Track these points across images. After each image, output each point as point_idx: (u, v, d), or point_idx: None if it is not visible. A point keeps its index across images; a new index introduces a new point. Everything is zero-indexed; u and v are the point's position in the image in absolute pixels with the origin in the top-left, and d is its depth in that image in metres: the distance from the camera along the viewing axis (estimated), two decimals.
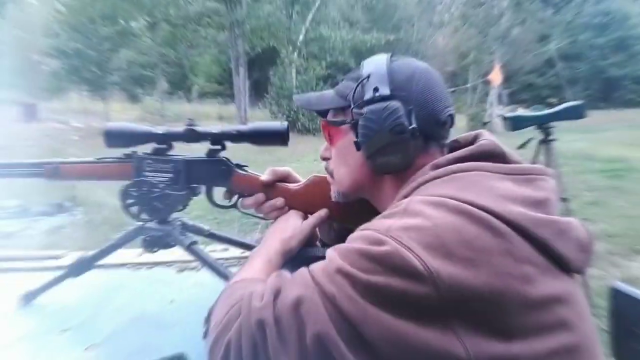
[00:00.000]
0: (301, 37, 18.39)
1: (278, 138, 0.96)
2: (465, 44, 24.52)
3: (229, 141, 0.99)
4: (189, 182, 0.99)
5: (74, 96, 20.47)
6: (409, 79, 0.78)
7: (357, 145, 0.78)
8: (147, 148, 1.01)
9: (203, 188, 1.03)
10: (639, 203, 5.70)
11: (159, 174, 0.97)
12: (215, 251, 1.37)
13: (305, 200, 0.97)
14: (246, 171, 1.00)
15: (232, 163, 1.00)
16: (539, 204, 0.69)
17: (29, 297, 1.05)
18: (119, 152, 1.00)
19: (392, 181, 0.80)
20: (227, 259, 1.31)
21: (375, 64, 0.80)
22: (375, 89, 0.77)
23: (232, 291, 0.76)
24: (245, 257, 1.27)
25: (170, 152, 1.01)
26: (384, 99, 0.76)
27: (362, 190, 0.85)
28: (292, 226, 0.93)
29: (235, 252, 1.33)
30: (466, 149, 0.76)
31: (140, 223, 0.99)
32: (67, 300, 1.06)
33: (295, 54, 18.19)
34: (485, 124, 17.18)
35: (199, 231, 1.09)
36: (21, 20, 30.12)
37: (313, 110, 0.90)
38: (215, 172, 0.99)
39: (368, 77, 0.79)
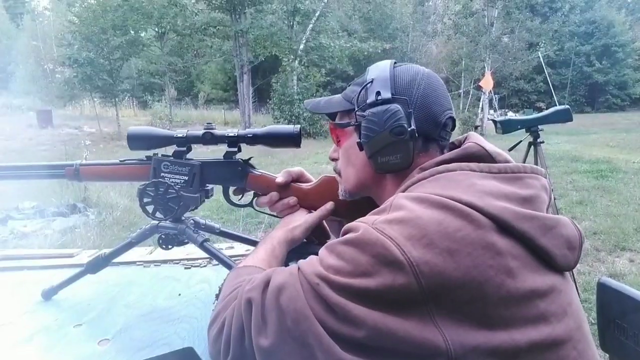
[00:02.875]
0: (302, 46, 18.40)
1: (291, 140, 0.97)
2: (457, 52, 24.55)
3: (244, 143, 0.99)
4: (206, 182, 1.00)
5: (87, 103, 20.48)
6: (410, 83, 0.79)
7: (360, 146, 0.79)
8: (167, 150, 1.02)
9: (215, 190, 1.04)
10: (623, 202, 5.70)
11: (176, 176, 0.98)
12: (222, 249, 1.37)
13: (316, 199, 0.98)
14: (261, 172, 1.01)
15: (247, 164, 1.00)
16: (524, 200, 0.69)
17: (50, 293, 1.05)
18: (139, 154, 1.01)
19: (394, 180, 0.81)
20: (232, 256, 1.31)
21: (379, 70, 0.82)
22: (378, 93, 0.78)
23: (236, 275, 0.80)
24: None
25: (189, 155, 1.01)
26: (385, 102, 0.77)
27: (366, 189, 0.86)
28: (297, 218, 0.95)
29: (240, 249, 1.33)
30: (452, 151, 0.77)
31: (155, 222, 0.99)
32: (81, 297, 1.06)
33: (297, 62, 18.21)
34: (476, 127, 17.20)
35: (210, 229, 1.09)
36: (36, 30, 30.17)
37: (322, 113, 0.91)
38: (232, 172, 1.00)
39: (371, 81, 0.80)
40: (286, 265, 0.88)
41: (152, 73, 26.60)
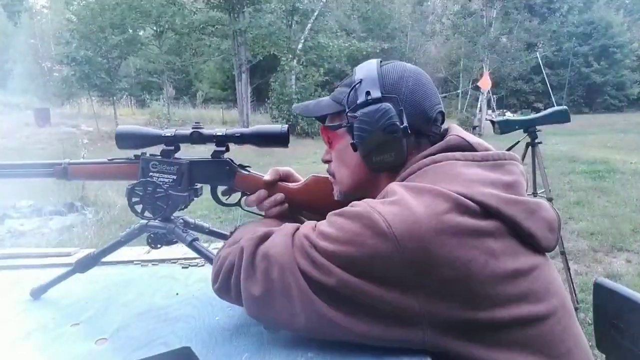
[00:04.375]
0: (300, 46, 18.39)
1: (279, 140, 0.97)
2: (455, 52, 24.60)
3: (232, 143, 0.99)
4: (194, 182, 1.00)
5: (85, 101, 20.40)
6: (398, 81, 0.80)
7: (354, 147, 0.80)
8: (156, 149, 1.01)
9: (206, 188, 1.04)
10: (620, 203, 5.72)
11: (164, 175, 0.98)
12: (217, 249, 1.37)
13: (304, 198, 0.98)
14: (248, 171, 1.01)
15: (235, 164, 1.00)
16: (508, 186, 0.72)
17: (38, 292, 1.04)
18: (130, 153, 1.01)
19: (388, 178, 0.82)
20: None
21: (367, 69, 0.82)
22: (367, 93, 0.78)
23: (245, 227, 0.90)
24: None
25: (177, 154, 1.01)
26: (375, 101, 0.78)
27: (361, 189, 0.86)
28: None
29: None
30: (435, 145, 0.79)
31: (144, 221, 0.99)
32: (78, 296, 1.05)
33: (295, 61, 18.19)
34: (474, 127, 17.22)
35: (199, 229, 1.09)
36: (34, 29, 30.09)
37: (311, 116, 0.92)
38: (220, 172, 1.00)
39: (360, 82, 0.80)
40: None
41: (150, 72, 26.57)
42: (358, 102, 0.79)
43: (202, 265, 1.25)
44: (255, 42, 18.08)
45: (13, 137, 13.24)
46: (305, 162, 9.22)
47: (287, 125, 0.98)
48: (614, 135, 14.80)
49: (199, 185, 1.03)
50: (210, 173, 1.00)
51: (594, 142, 13.18)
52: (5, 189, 5.18)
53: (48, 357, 0.82)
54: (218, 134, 0.98)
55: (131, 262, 1.27)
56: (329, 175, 0.93)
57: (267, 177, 0.98)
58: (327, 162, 0.92)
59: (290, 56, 18.02)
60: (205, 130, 0.98)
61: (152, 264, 1.27)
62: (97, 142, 13.44)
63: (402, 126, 0.76)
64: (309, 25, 18.74)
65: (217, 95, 29.40)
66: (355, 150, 0.80)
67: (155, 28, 20.21)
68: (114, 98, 18.31)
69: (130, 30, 18.65)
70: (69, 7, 18.56)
